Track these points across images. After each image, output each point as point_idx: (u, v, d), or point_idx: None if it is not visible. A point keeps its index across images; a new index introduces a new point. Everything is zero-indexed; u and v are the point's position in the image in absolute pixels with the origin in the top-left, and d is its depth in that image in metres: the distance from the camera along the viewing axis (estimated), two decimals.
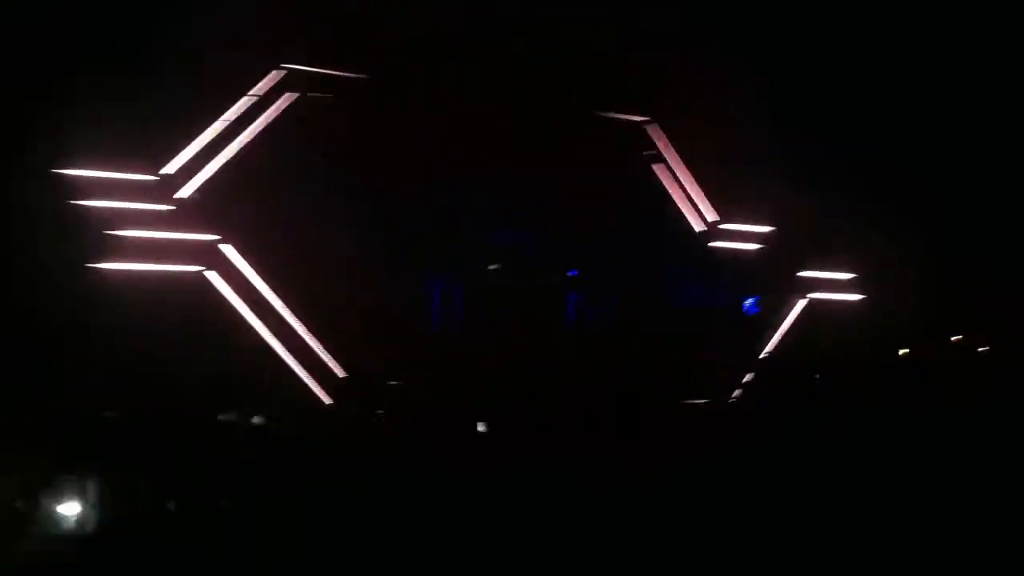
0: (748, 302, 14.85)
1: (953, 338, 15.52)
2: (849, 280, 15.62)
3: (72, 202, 10.94)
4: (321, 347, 12.10)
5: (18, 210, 10.80)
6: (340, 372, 12.20)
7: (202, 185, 11.64)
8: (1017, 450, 10.92)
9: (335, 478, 9.69)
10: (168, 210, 11.45)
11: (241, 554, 8.34)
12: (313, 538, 8.60)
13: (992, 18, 15.86)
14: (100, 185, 11.13)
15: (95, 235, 10.99)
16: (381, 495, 9.31)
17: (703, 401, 14.16)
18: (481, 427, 12.41)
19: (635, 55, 14.25)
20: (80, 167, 11.02)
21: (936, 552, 8.32)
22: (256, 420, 11.06)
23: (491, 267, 14.03)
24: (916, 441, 11.79)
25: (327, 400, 12.09)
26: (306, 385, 12.01)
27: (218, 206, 11.67)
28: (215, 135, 11.69)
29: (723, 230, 14.94)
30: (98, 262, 10.91)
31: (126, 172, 11.28)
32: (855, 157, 15.29)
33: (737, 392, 14.66)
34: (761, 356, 14.88)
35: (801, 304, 15.32)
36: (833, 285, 15.60)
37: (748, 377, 14.75)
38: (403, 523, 8.78)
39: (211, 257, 11.65)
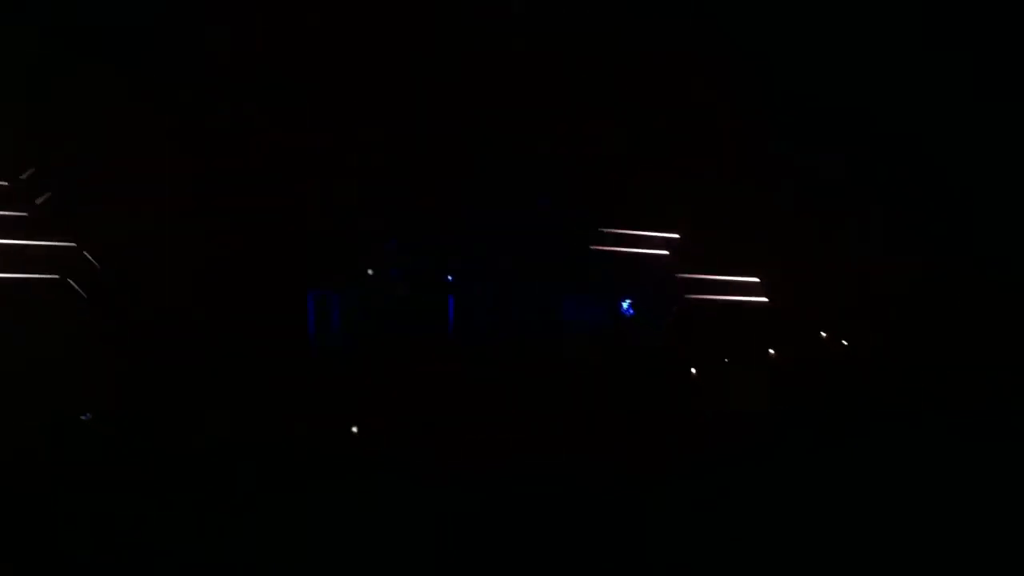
0: (625, 304, 15.02)
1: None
2: (726, 282, 15.90)
3: None
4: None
5: None
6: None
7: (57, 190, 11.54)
8: (1017, 450, 11.10)
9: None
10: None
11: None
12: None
13: (992, 18, 15.64)
14: None
15: None
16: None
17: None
18: None
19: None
20: None
21: (935, 552, 8.42)
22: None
23: (368, 271, 14.04)
24: (915, 441, 11.97)
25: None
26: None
27: (74, 212, 11.57)
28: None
29: (605, 233, 15.13)
30: None
31: None
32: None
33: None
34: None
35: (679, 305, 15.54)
36: (712, 287, 15.88)
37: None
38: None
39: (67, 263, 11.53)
